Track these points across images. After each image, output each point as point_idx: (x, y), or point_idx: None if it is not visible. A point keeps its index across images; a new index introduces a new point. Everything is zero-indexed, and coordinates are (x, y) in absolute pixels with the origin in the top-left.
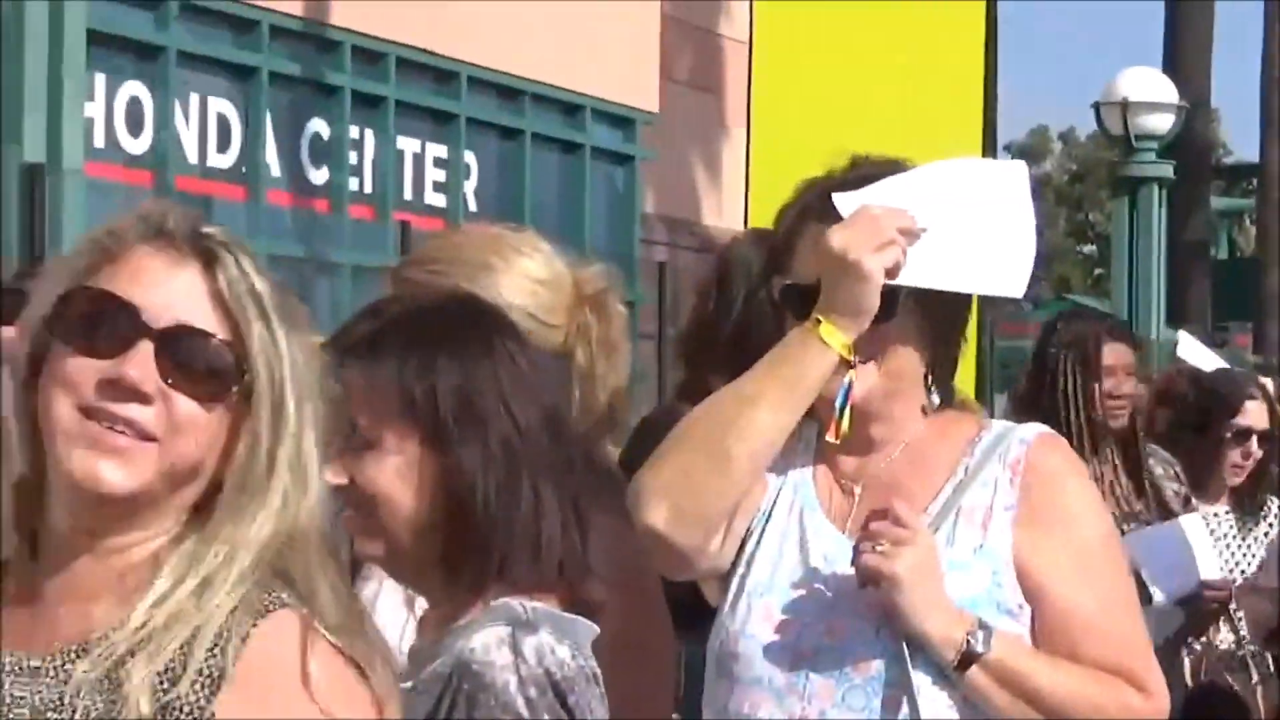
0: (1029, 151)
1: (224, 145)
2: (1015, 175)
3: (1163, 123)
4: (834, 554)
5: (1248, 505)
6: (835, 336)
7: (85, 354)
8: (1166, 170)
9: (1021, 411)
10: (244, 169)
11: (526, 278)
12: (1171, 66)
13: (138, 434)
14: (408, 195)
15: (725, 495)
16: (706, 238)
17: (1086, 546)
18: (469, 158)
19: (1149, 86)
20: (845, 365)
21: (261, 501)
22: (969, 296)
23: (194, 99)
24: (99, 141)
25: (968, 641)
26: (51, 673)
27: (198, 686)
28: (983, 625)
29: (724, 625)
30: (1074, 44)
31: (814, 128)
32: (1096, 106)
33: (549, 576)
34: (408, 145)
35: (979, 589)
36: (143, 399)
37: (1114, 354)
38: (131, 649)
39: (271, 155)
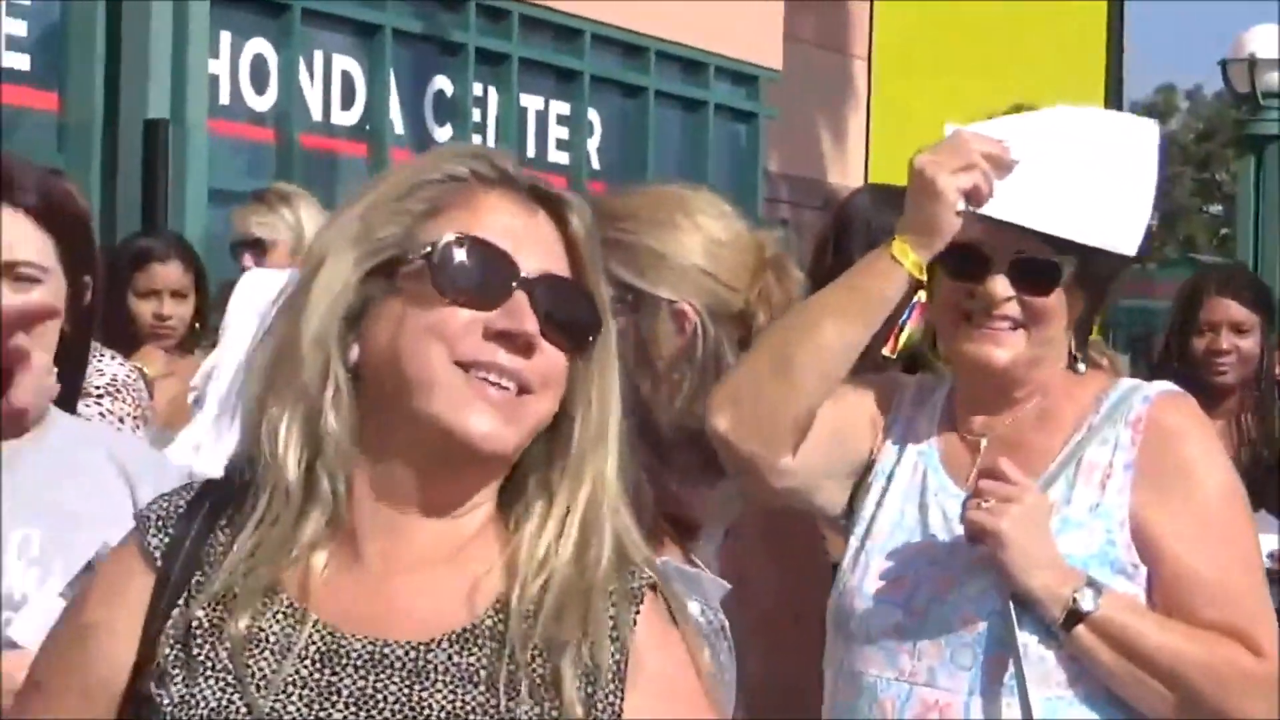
0: (1155, 110)
1: (348, 103)
2: (1144, 133)
3: None
4: (953, 511)
5: None
6: (907, 254)
7: (463, 305)
8: None
9: (1155, 369)
10: (367, 126)
11: (710, 239)
12: None
13: (518, 387)
14: (530, 153)
15: (787, 403)
16: (830, 195)
17: (1206, 506)
18: (592, 115)
19: (1276, 43)
20: (915, 284)
21: (600, 462)
22: (1124, 268)
23: (318, 56)
24: (223, 98)
25: (1074, 599)
26: (426, 658)
27: (613, 682)
28: (1092, 583)
29: (842, 582)
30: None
31: (935, 86)
32: (1223, 64)
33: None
34: (531, 103)
35: (1093, 548)
36: (526, 350)
37: (1217, 309)
38: (540, 637)
39: (395, 113)
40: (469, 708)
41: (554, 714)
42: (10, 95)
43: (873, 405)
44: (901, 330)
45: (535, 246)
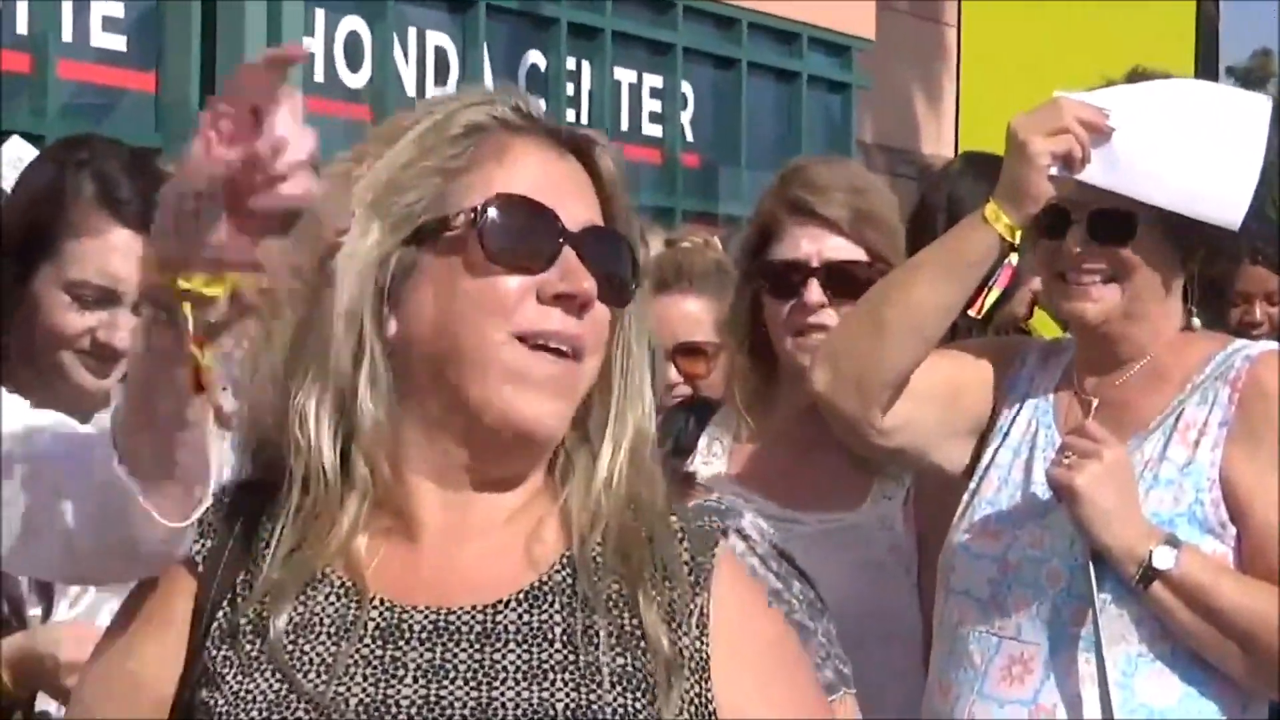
0: (1252, 75)
1: (442, 78)
2: (1256, 108)
3: None
4: None
5: None
6: (999, 217)
7: (512, 270)
8: None
9: None
10: None
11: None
12: None
13: (574, 353)
14: (624, 126)
15: (880, 362)
16: (925, 166)
17: None
18: (685, 88)
19: None
20: (1008, 247)
21: (638, 409)
22: (1226, 234)
23: (412, 32)
24: (318, 76)
25: (1151, 557)
26: (495, 620)
27: (698, 625)
28: (1171, 541)
29: (949, 537)
30: None
31: (1023, 54)
32: None
33: None
34: (624, 76)
35: (1182, 506)
36: (581, 311)
37: (1251, 279)
38: (615, 583)
39: (489, 87)
40: (546, 665)
41: (638, 662)
42: (108, 77)
43: (994, 365)
44: (989, 292)
45: (574, 196)
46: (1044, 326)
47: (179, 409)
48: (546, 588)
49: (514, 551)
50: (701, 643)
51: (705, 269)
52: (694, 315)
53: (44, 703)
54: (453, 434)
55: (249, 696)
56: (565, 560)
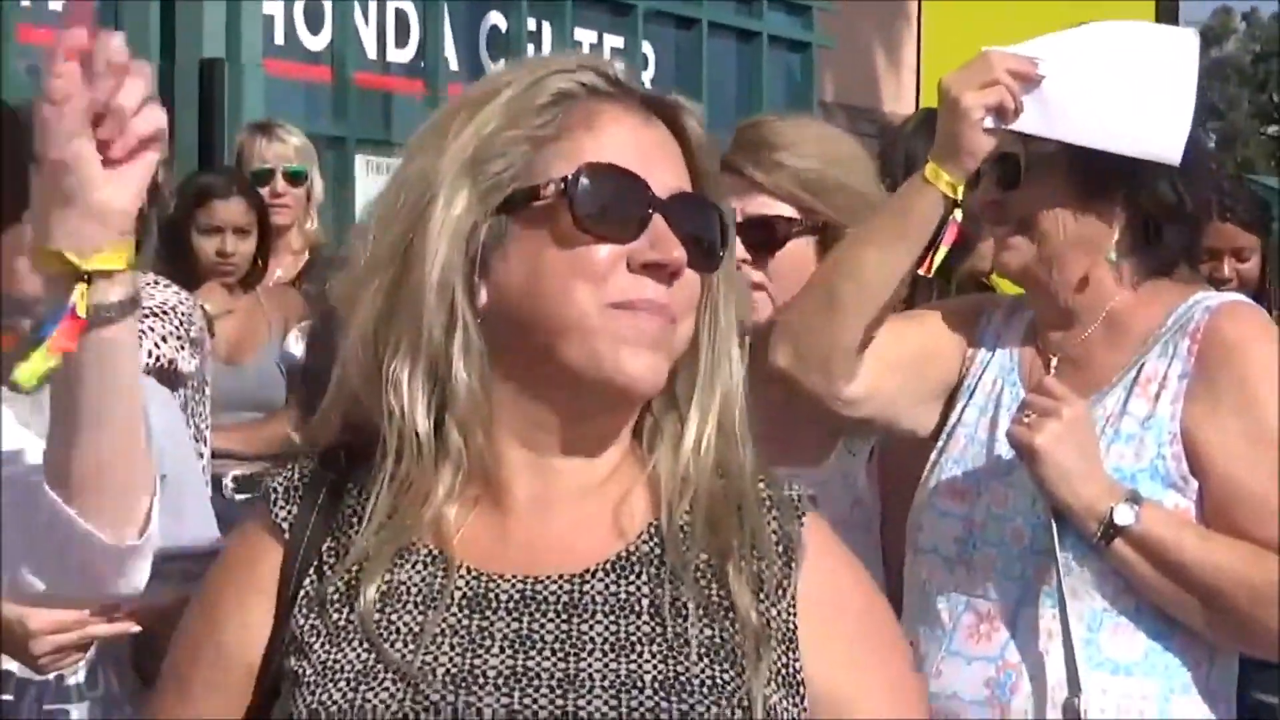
0: (1211, 33)
1: (403, 40)
2: (1184, 42)
3: None
4: None
5: None
6: (939, 175)
7: (602, 239)
8: None
9: None
10: (423, 64)
11: (865, 172)
12: None
13: (666, 319)
14: None
15: (835, 334)
16: (887, 124)
17: (1261, 420)
18: (646, 48)
19: None
20: (951, 204)
21: (727, 375)
22: (1130, 158)
23: None
24: (278, 38)
25: (1111, 514)
26: (581, 590)
27: (785, 597)
28: (1133, 498)
29: (917, 496)
30: None
31: (984, 13)
32: None
33: None
34: (585, 37)
35: (1143, 461)
36: (671, 279)
37: (1219, 236)
38: (703, 553)
39: (450, 50)
40: (633, 637)
41: (726, 633)
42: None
43: (958, 327)
44: (936, 251)
45: (662, 163)
46: (1006, 284)
47: (99, 404)
48: (634, 558)
49: (601, 520)
50: (790, 614)
51: None
52: None
53: (6, 662)
54: (544, 399)
55: (336, 666)
56: (653, 530)
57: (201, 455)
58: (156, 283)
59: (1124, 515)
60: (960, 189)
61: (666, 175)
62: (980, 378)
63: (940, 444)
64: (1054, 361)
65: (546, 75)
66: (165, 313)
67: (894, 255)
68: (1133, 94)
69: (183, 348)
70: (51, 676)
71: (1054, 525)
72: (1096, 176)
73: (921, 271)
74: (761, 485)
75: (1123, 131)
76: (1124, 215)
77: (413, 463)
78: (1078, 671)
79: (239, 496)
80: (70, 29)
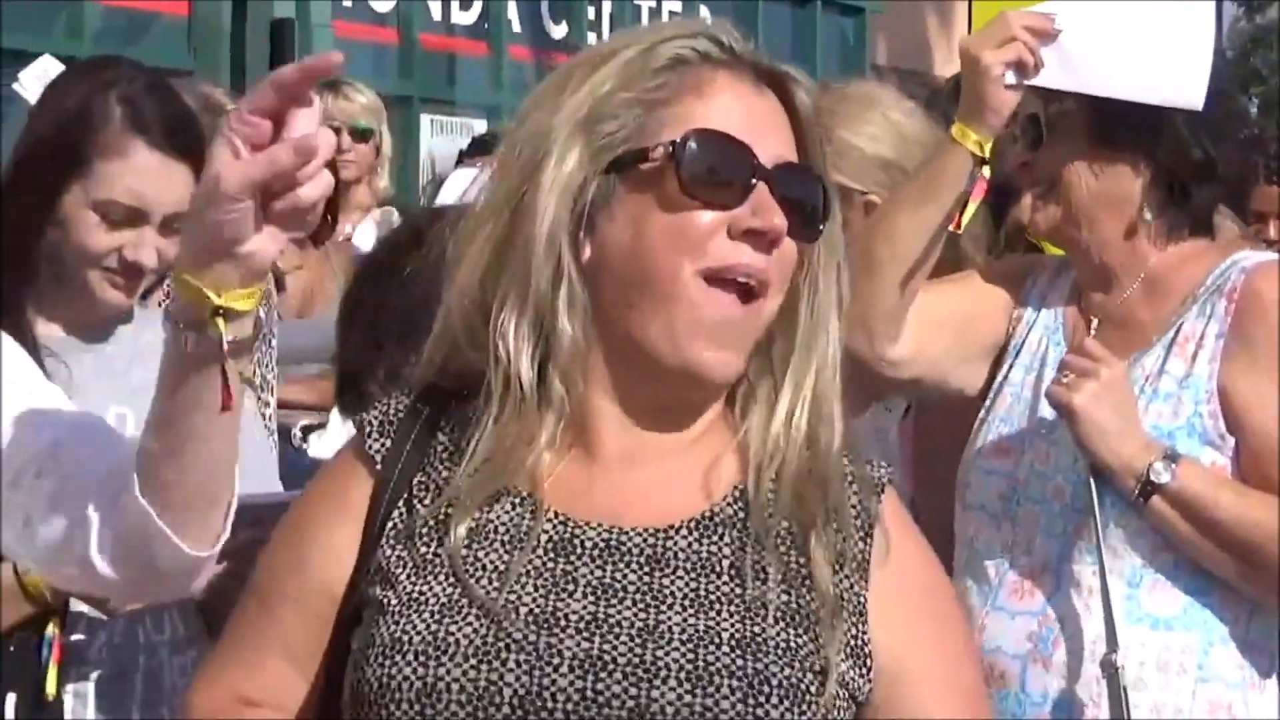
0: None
1: (466, 3)
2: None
3: None
4: None
5: None
6: (966, 134)
7: (706, 205)
8: None
9: None
10: (486, 25)
11: (898, 133)
12: None
13: (759, 287)
14: None
15: (876, 298)
16: (938, 88)
17: None
18: (704, 11)
19: None
20: (979, 162)
21: (824, 347)
22: (1149, 113)
23: None
24: (347, 1)
25: (1149, 471)
26: (665, 545)
27: (859, 571)
28: (1170, 456)
29: (965, 453)
30: None
31: None
32: None
33: None
34: (644, 2)
35: (1180, 419)
36: (770, 247)
37: (1264, 199)
38: (786, 520)
39: (513, 11)
40: (713, 595)
41: (803, 600)
42: (142, 2)
43: (1005, 288)
44: (965, 208)
45: (769, 132)
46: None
47: (205, 427)
48: (718, 518)
49: (689, 479)
50: (862, 586)
51: None
52: None
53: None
54: (636, 362)
55: (421, 598)
56: (739, 493)
57: (268, 405)
58: None
59: (1161, 472)
60: (987, 146)
61: (773, 144)
62: (1026, 338)
63: (988, 403)
64: (1095, 322)
65: (662, 41)
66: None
67: (926, 215)
68: (1149, 43)
69: None
70: (120, 619)
71: (1093, 483)
72: (1115, 132)
73: (951, 228)
74: (846, 461)
75: (1141, 80)
76: (1148, 172)
77: (515, 409)
78: (1115, 628)
79: (306, 446)
80: (278, 90)
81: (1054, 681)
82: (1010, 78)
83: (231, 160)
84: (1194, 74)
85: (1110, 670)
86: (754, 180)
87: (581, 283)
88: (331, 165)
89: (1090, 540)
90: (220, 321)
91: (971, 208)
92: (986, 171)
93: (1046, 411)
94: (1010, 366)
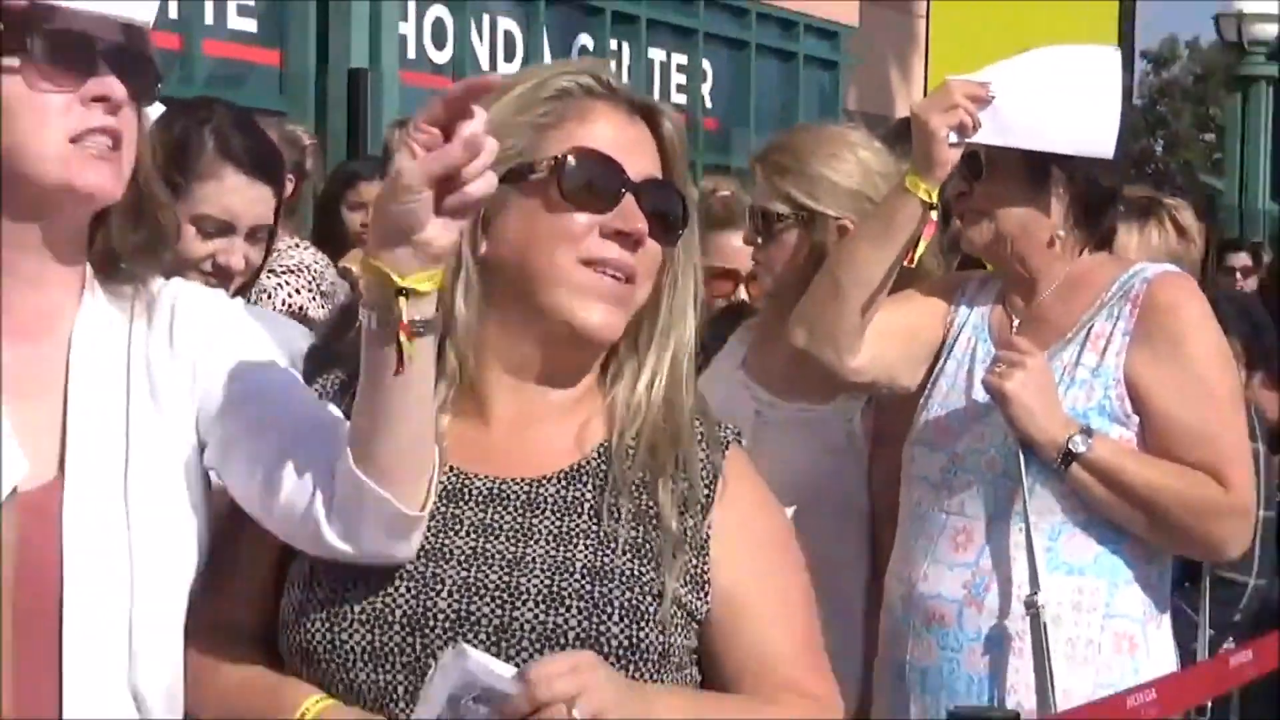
0: (1161, 57)
1: (510, 56)
2: (1108, 57)
3: (1270, 31)
4: None
5: None
6: (917, 185)
7: (582, 209)
8: (1272, 70)
9: None
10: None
11: (864, 168)
12: None
13: (626, 278)
14: (656, 95)
15: (841, 317)
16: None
17: (1193, 366)
18: (705, 65)
19: (1259, 3)
20: (928, 207)
21: (681, 331)
22: (1069, 156)
23: (485, 19)
24: (411, 53)
25: (1069, 444)
26: (539, 491)
27: (699, 515)
28: (1085, 431)
29: (910, 434)
30: None
31: (979, 38)
32: (1216, 18)
33: None
34: (656, 55)
35: (1093, 401)
36: (635, 246)
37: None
38: (640, 471)
39: (547, 63)
40: (572, 533)
41: (649, 537)
42: (240, 53)
43: (939, 299)
44: (917, 246)
45: (638, 153)
46: None
47: (402, 401)
48: (585, 470)
49: (563, 438)
50: (704, 525)
51: (744, 211)
52: (738, 247)
53: None
54: (526, 336)
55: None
56: (604, 449)
57: None
58: (298, 245)
59: (1079, 445)
60: (935, 194)
61: (641, 163)
62: (958, 337)
63: (927, 392)
64: (1017, 322)
65: (553, 76)
66: (301, 269)
67: (884, 252)
68: (1068, 105)
69: (314, 298)
70: None
71: (1021, 455)
72: (1041, 170)
73: (906, 263)
74: (697, 422)
75: (1063, 135)
76: (1065, 200)
77: None
78: (1038, 575)
79: None
80: (447, 105)
81: (986, 621)
82: (953, 138)
83: (410, 159)
84: (1105, 130)
85: (1033, 609)
86: (623, 191)
87: (477, 273)
88: None
89: (1018, 503)
90: (402, 300)
91: (923, 245)
92: (934, 215)
93: (980, 396)
94: (945, 361)
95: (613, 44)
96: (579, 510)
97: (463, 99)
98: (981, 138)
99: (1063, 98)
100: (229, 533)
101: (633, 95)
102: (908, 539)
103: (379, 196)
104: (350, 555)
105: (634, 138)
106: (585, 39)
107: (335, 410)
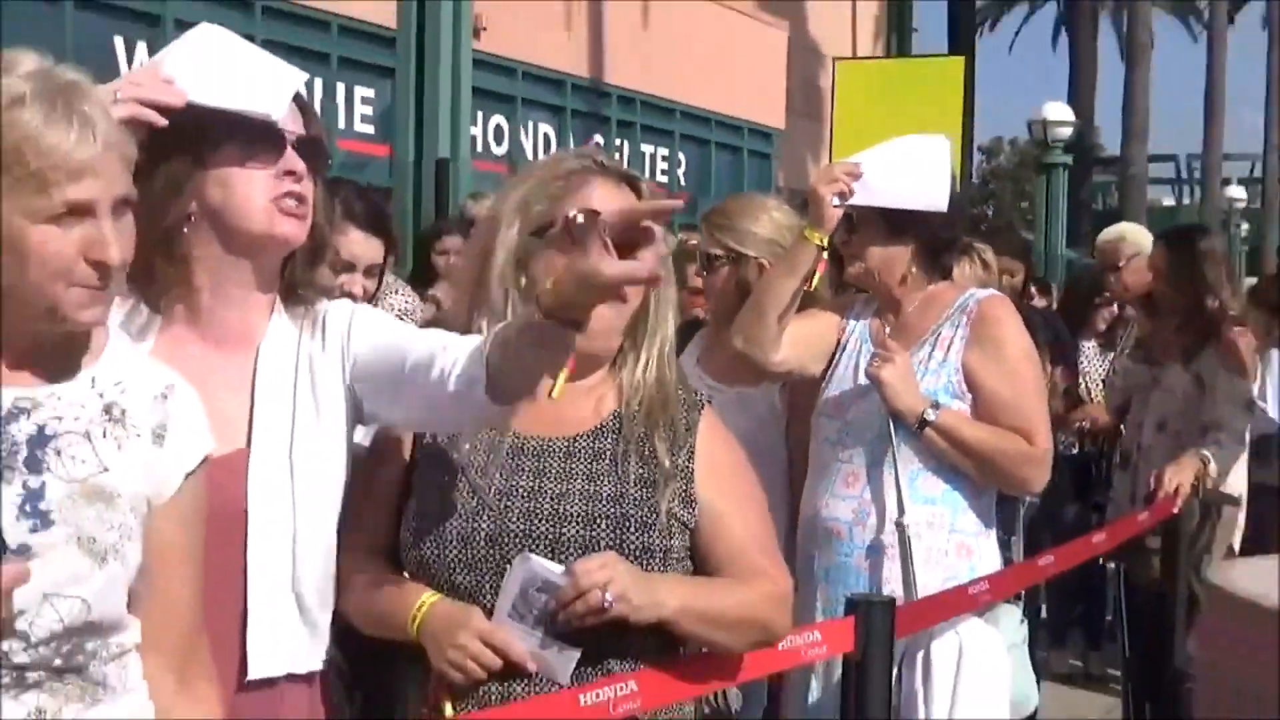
0: (991, 150)
1: (546, 150)
2: (941, 143)
3: (1065, 132)
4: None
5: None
6: (813, 235)
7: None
8: (1068, 159)
9: None
10: None
11: (777, 223)
12: (1072, 99)
13: (624, 294)
14: (645, 175)
15: (766, 328)
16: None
17: (1008, 358)
18: (680, 156)
19: (1059, 112)
20: (820, 249)
21: (665, 330)
22: (916, 214)
23: (530, 124)
24: (479, 148)
25: (924, 414)
26: (574, 445)
27: (684, 455)
28: (935, 404)
29: (816, 407)
30: (1018, 85)
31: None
32: (1029, 123)
33: None
34: (646, 149)
35: (940, 384)
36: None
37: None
38: (642, 428)
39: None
40: (599, 473)
41: (650, 471)
42: (361, 148)
43: (834, 316)
44: (813, 277)
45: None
46: None
47: (536, 370)
48: (603, 430)
49: (588, 409)
50: (689, 463)
51: None
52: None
53: None
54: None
55: (442, 483)
56: (616, 414)
57: None
58: (396, 291)
59: (930, 414)
60: (825, 241)
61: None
62: (848, 340)
63: (827, 380)
64: (888, 330)
65: (563, 160)
66: (404, 315)
67: (791, 281)
68: (914, 175)
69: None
70: None
71: (891, 422)
72: (897, 226)
73: (807, 289)
74: (680, 391)
75: (910, 195)
76: (914, 246)
77: None
78: (903, 504)
79: None
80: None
81: (868, 536)
82: (836, 201)
83: (601, 255)
84: (940, 192)
85: (900, 528)
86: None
87: (520, 300)
88: None
89: (889, 455)
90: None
91: (816, 277)
92: (825, 255)
93: (864, 381)
94: (840, 357)
95: (617, 142)
96: (602, 457)
97: (644, 215)
98: (855, 200)
99: (909, 170)
100: (363, 482)
101: (620, 170)
102: (814, 480)
103: (571, 261)
104: (470, 420)
105: (621, 199)
106: (598, 138)
107: (445, 335)
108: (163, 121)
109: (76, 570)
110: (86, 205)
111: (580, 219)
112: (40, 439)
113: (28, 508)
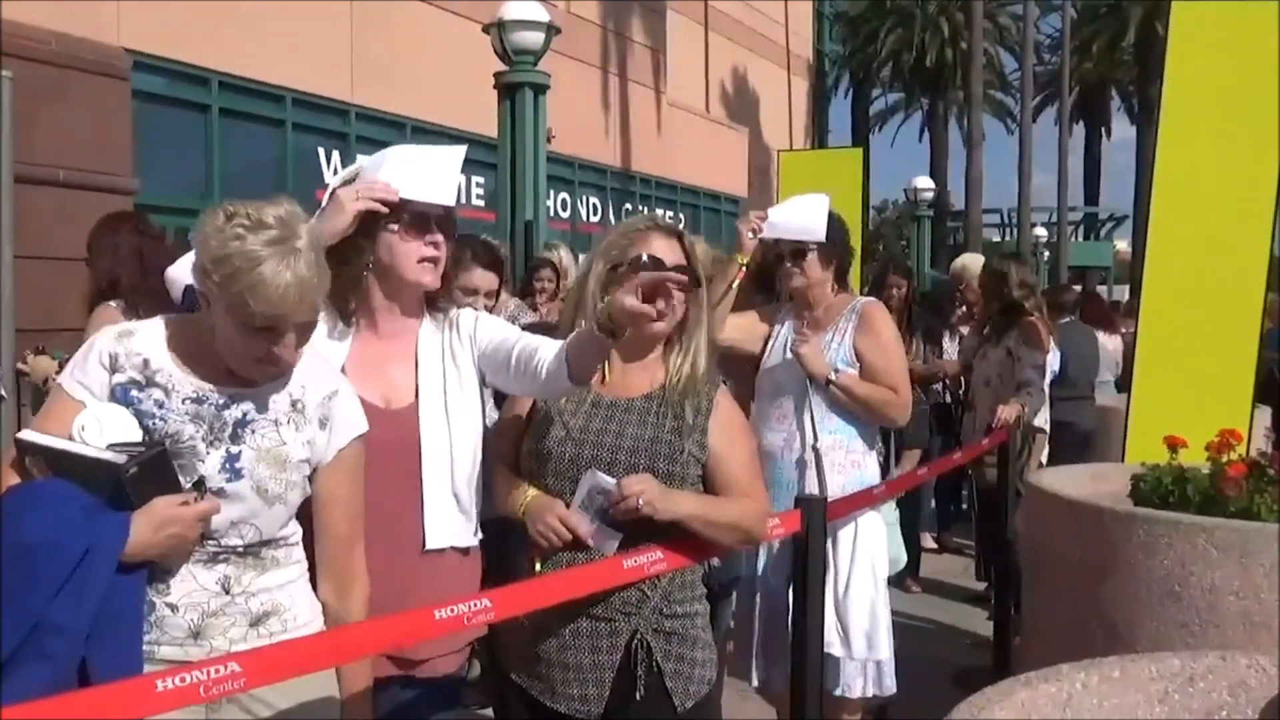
0: (880, 208)
1: (594, 215)
2: (819, 200)
3: (929, 196)
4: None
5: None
6: (739, 256)
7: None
8: (930, 213)
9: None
10: (602, 225)
11: (704, 253)
12: (933, 173)
13: (673, 312)
14: None
15: (722, 328)
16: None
17: (882, 341)
18: (680, 216)
19: (925, 182)
20: (740, 266)
21: (701, 331)
22: (835, 246)
23: (584, 197)
24: (552, 213)
25: (829, 376)
26: (634, 405)
27: (703, 416)
28: (836, 370)
29: (758, 375)
30: (898, 165)
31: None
32: (905, 190)
33: None
34: (659, 210)
35: (839, 358)
36: (671, 294)
37: (891, 281)
38: (678, 396)
39: (610, 218)
40: (646, 422)
41: (680, 423)
42: (475, 214)
43: (768, 315)
44: (733, 285)
45: (673, 254)
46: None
47: (593, 362)
48: (652, 396)
49: (643, 381)
50: (705, 421)
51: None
52: None
53: None
54: (628, 341)
55: (547, 421)
56: (663, 386)
57: None
58: (511, 302)
59: (833, 376)
60: (745, 260)
61: (674, 258)
62: (780, 331)
63: (766, 355)
64: (805, 323)
65: (632, 222)
66: (514, 316)
67: (723, 285)
68: (801, 218)
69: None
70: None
71: (809, 381)
72: (826, 256)
73: (727, 292)
74: (706, 374)
75: (800, 229)
76: (832, 266)
77: None
78: (816, 434)
79: None
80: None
81: (794, 455)
82: (750, 234)
83: (633, 299)
84: (818, 228)
85: (815, 450)
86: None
87: (594, 312)
88: (555, 271)
89: (806, 402)
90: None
91: (736, 282)
92: (744, 269)
93: (789, 355)
94: (774, 341)
95: (641, 209)
96: (649, 413)
97: (664, 279)
98: (763, 235)
99: (798, 215)
100: (500, 422)
101: (669, 227)
102: (756, 420)
103: (614, 294)
104: (557, 393)
105: (672, 248)
106: (628, 205)
107: (539, 339)
108: (385, 211)
109: (254, 508)
110: (274, 332)
111: (645, 259)
112: (243, 421)
113: (227, 466)
